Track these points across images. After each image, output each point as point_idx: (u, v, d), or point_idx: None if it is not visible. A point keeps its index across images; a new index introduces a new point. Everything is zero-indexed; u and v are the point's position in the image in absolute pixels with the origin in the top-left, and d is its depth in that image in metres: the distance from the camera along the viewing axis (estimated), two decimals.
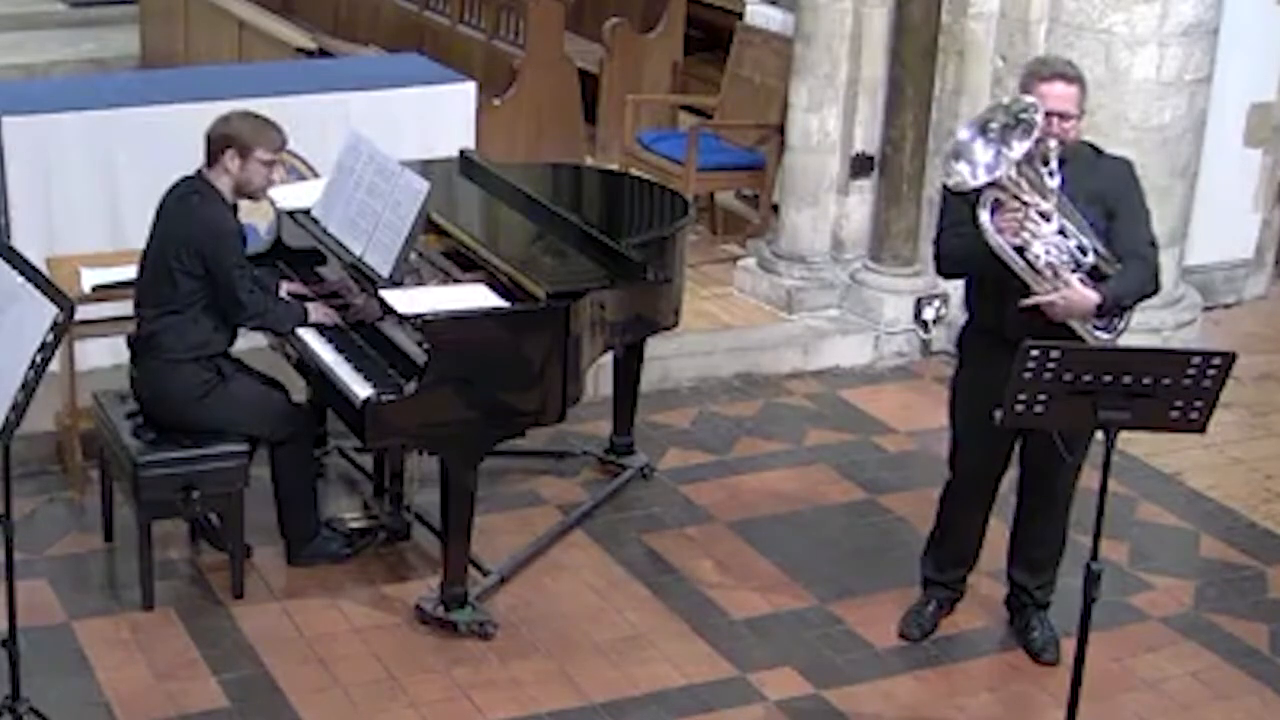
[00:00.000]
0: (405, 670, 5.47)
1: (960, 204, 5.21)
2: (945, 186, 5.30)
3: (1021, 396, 4.61)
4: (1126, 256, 5.17)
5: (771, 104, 8.75)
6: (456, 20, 10.36)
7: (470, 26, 10.25)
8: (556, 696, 5.39)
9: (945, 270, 5.52)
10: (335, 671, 5.45)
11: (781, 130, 8.36)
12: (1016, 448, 5.52)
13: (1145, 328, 7.60)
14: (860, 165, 8.05)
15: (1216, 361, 4.56)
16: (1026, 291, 5.11)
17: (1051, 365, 4.54)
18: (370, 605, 5.80)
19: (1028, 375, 4.56)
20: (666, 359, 7.44)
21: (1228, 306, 8.60)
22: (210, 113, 5.84)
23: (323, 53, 9.42)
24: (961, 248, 5.26)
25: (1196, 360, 4.57)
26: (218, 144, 5.65)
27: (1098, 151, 5.35)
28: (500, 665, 5.52)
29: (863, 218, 8.15)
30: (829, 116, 8.00)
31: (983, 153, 5.01)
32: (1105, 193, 5.22)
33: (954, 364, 5.75)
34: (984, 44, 7.68)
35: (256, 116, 5.72)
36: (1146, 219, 5.30)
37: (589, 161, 9.37)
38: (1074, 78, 5.19)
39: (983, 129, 5.03)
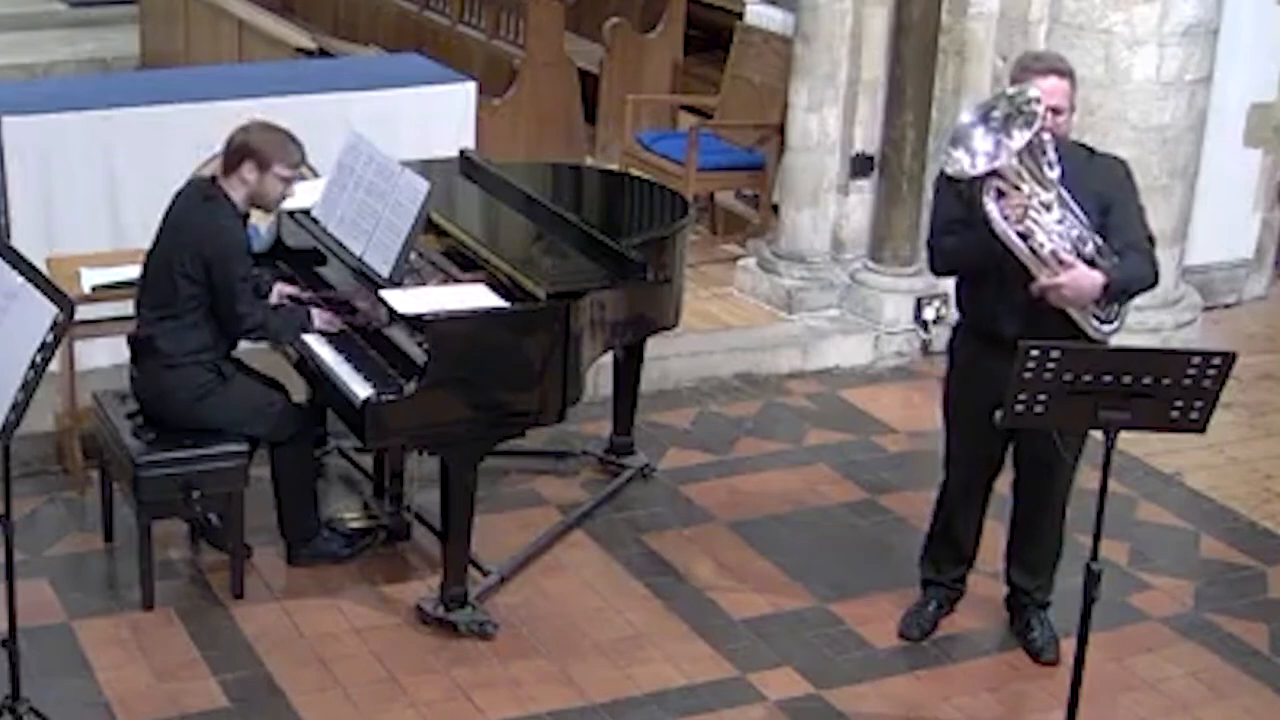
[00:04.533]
0: (405, 670, 5.47)
1: (954, 200, 5.23)
2: (941, 181, 5.31)
3: (1021, 396, 4.61)
4: (1125, 249, 5.19)
5: (771, 104, 8.75)
6: (456, 20, 10.36)
7: (470, 26, 10.26)
8: (556, 696, 5.39)
9: (941, 268, 5.53)
10: (335, 671, 5.45)
11: (781, 130, 8.36)
12: (1011, 448, 5.53)
13: (1145, 328, 7.62)
14: (860, 165, 8.05)
15: (1216, 361, 4.56)
16: (1027, 285, 5.11)
17: (1051, 365, 4.54)
18: (370, 605, 5.80)
19: (1028, 375, 4.56)
20: (666, 359, 7.43)
21: (1228, 306, 8.60)
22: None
23: (323, 53, 9.42)
24: (959, 243, 5.28)
25: (1196, 360, 4.57)
26: (238, 154, 5.62)
27: (1090, 151, 5.38)
28: (500, 665, 5.52)
29: (863, 218, 8.15)
30: (829, 116, 8.00)
31: (982, 141, 5.03)
32: (1101, 191, 5.24)
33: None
34: (984, 44, 7.68)
35: (279, 130, 5.68)
36: (1142, 216, 5.33)
37: (589, 161, 9.37)
38: (1066, 72, 5.24)
39: (985, 117, 5.05)
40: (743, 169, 8.93)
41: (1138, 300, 7.65)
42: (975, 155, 5.03)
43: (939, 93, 7.82)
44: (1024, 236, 5.06)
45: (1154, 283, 5.30)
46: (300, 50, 9.22)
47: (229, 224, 5.63)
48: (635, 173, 8.35)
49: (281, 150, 5.64)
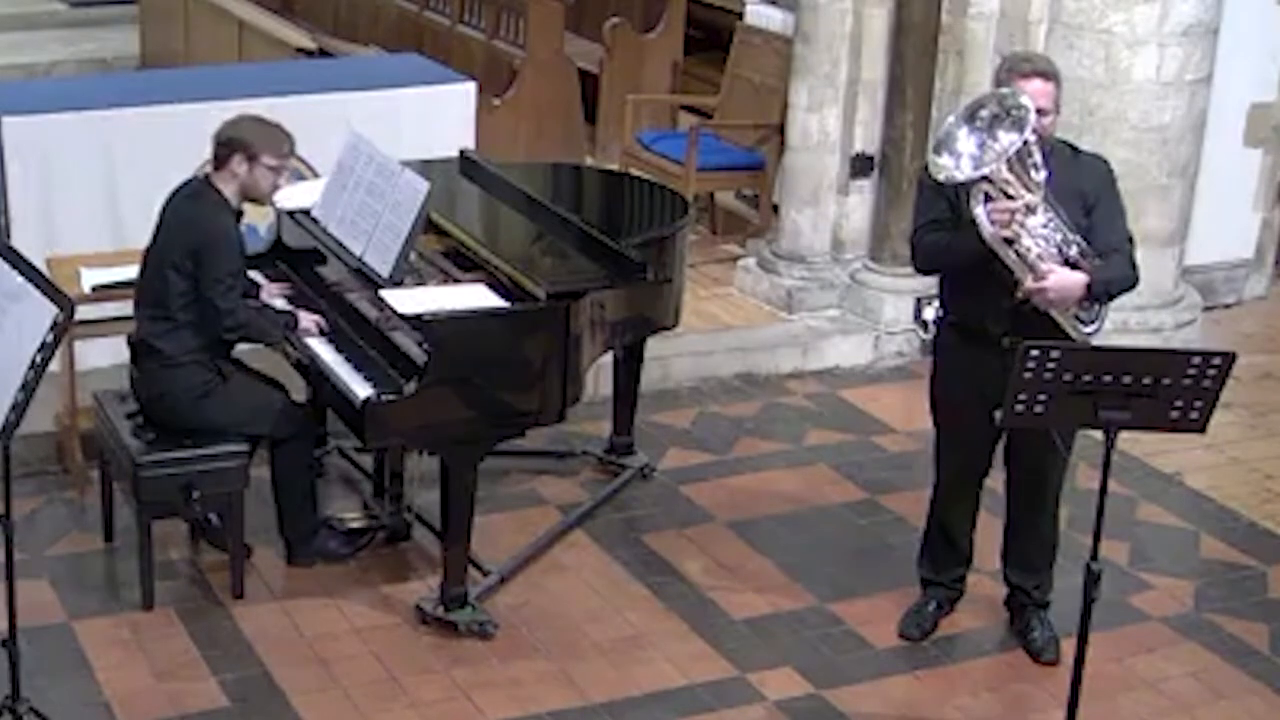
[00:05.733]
0: (405, 670, 5.47)
1: (937, 198, 5.25)
2: (924, 178, 5.31)
3: (1022, 397, 4.61)
4: (1106, 250, 5.22)
5: (771, 104, 8.75)
6: (456, 20, 10.36)
7: (470, 26, 10.26)
8: (556, 696, 5.39)
9: (924, 266, 5.53)
10: (335, 671, 5.45)
11: (781, 130, 8.36)
12: (1002, 444, 5.53)
13: (1145, 328, 7.62)
14: (860, 165, 8.06)
15: (1216, 361, 4.56)
16: (1010, 284, 5.13)
17: (1051, 365, 4.54)
18: (370, 605, 5.80)
19: (1028, 375, 4.56)
20: (666, 359, 7.43)
21: (1228, 306, 8.60)
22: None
23: (323, 53, 9.42)
24: (942, 242, 5.28)
25: (1196, 360, 4.57)
26: (226, 148, 5.64)
27: (1074, 150, 5.40)
28: (500, 665, 5.52)
29: (863, 218, 8.15)
30: (829, 116, 8.00)
31: (966, 142, 5.04)
32: (1084, 190, 5.27)
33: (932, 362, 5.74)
34: (984, 44, 7.68)
35: (265, 121, 5.70)
36: (1123, 216, 5.37)
37: (589, 161, 9.37)
38: (1052, 75, 5.25)
39: (970, 117, 5.06)
40: (743, 169, 8.93)
41: (1139, 300, 7.71)
42: (960, 157, 5.04)
43: (939, 93, 7.81)
44: (1010, 242, 5.07)
45: (1134, 284, 5.33)
46: (300, 50, 9.21)
47: (220, 219, 5.63)
48: (635, 173, 8.35)
49: (269, 140, 5.65)
